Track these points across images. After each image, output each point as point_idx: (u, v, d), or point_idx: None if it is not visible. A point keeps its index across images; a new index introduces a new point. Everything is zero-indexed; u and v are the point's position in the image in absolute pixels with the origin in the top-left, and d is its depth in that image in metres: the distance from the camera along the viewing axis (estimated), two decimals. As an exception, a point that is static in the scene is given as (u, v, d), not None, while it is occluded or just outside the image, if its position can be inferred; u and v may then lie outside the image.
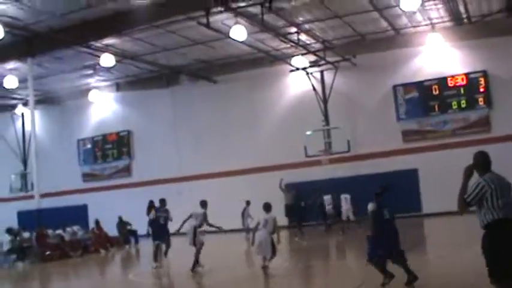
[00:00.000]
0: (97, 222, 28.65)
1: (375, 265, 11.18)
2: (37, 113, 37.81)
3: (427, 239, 21.30)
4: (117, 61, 27.97)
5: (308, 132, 29.27)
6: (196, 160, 33.73)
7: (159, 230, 18.63)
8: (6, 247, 24.85)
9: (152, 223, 18.85)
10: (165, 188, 32.89)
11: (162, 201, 19.23)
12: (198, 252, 16.03)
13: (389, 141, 29.54)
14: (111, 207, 33.26)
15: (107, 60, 27.27)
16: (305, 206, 27.22)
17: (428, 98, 29.19)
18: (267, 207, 14.82)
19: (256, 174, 31.73)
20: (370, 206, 11.62)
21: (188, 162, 33.94)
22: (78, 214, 34.66)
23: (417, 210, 28.45)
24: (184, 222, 16.85)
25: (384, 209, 11.35)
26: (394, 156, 29.35)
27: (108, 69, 31.04)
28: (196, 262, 15.78)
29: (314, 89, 30.33)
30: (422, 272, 13.09)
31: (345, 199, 25.83)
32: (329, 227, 26.19)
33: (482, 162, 7.06)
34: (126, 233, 29.34)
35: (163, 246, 19.13)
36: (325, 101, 30.29)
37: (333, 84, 30.03)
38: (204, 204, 17.28)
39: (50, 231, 26.63)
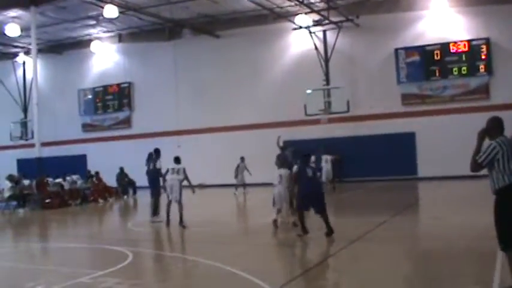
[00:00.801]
0: (96, 173, 28.94)
1: (299, 216, 12.75)
2: (38, 62, 37.82)
3: (421, 200, 21.63)
4: (120, 12, 27.86)
5: (308, 91, 29.46)
6: (195, 114, 34.01)
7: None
8: (7, 194, 25.23)
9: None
10: (164, 140, 33.17)
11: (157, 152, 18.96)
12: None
13: (388, 103, 29.77)
14: (110, 158, 33.63)
15: (110, 11, 27.19)
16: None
17: (429, 62, 29.25)
18: (282, 163, 14.99)
19: (255, 130, 32.06)
20: (295, 168, 13.34)
21: (188, 115, 34.23)
22: (78, 164, 34.94)
23: (413, 173, 28.85)
24: (164, 176, 16.95)
25: (307, 168, 12.67)
26: (393, 118, 29.65)
27: (111, 20, 30.97)
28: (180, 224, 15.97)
29: (316, 48, 30.36)
30: (414, 231, 13.51)
31: (325, 160, 25.46)
32: None
33: (496, 126, 7.09)
34: (125, 184, 29.69)
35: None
36: (326, 60, 30.34)
37: (335, 44, 30.07)
38: (178, 160, 17.13)
39: (50, 180, 26.99)
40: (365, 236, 12.60)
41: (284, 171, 14.44)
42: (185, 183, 16.68)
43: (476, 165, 6.97)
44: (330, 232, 12.35)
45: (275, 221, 14.40)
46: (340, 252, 10.91)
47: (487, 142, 7.04)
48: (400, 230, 13.61)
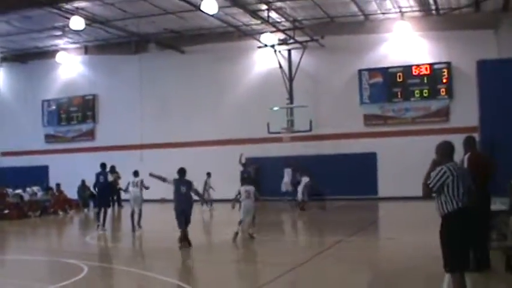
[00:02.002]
0: (57, 185, 28.76)
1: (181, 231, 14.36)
2: (2, 70, 37.66)
3: (379, 220, 21.99)
4: (87, 24, 27.79)
5: (275, 108, 29.50)
6: (159, 128, 34.04)
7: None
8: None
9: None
10: (127, 153, 33.16)
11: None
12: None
13: (351, 123, 30.23)
14: (72, 170, 33.34)
15: (77, 22, 27.08)
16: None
17: (392, 84, 29.85)
18: (248, 181, 17.19)
19: (218, 146, 32.21)
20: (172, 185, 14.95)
21: (151, 129, 34.22)
22: (40, 175, 34.55)
23: (373, 193, 29.27)
24: (126, 189, 19.11)
25: (182, 185, 14.55)
26: (355, 138, 30.10)
27: (77, 32, 30.81)
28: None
29: (280, 66, 30.76)
30: (366, 252, 13.77)
31: (287, 172, 26.68)
32: None
33: (447, 151, 7.38)
34: (86, 196, 29.51)
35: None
36: (290, 79, 30.72)
37: (300, 63, 30.48)
38: (137, 173, 19.60)
39: (9, 190, 26.70)
40: (318, 255, 12.84)
41: (250, 188, 15.86)
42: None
43: (427, 190, 7.24)
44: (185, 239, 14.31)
45: (236, 234, 15.34)
46: (288, 273, 11.01)
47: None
48: (354, 249, 13.91)
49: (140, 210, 18.73)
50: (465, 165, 9.48)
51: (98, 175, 19.49)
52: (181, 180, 14.75)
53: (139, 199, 18.87)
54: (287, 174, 26.84)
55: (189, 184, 14.71)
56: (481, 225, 8.89)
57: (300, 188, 24.91)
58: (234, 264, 12.94)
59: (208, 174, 26.96)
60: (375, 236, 17.45)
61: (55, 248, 16.65)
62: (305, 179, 24.99)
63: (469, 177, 7.42)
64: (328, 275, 10.99)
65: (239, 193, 15.85)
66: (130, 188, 18.97)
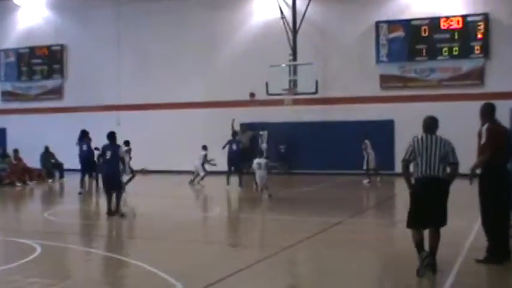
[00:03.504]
0: (15, 151, 28.95)
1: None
2: None
3: (390, 200, 22.15)
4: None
5: (280, 65, 29.61)
6: (140, 87, 34.24)
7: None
8: None
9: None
10: (102, 116, 33.32)
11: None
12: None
13: (364, 86, 30.35)
14: (35, 134, 33.72)
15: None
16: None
17: (415, 40, 29.83)
18: (261, 154, 22.75)
19: (208, 109, 32.43)
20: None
21: (131, 88, 34.41)
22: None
23: (390, 167, 29.26)
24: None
25: (107, 150, 16.44)
26: (369, 103, 30.22)
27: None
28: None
29: (283, 16, 30.64)
30: (364, 236, 14.04)
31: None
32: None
33: (423, 125, 9.61)
34: (50, 165, 29.79)
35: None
36: (294, 32, 30.62)
37: (306, 13, 30.34)
38: (127, 143, 22.50)
39: (-46, 155, 26.95)
40: (310, 238, 13.10)
41: (262, 160, 21.01)
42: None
43: (403, 164, 9.73)
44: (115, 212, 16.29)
45: (270, 196, 20.35)
46: (275, 255, 11.32)
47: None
48: (351, 233, 14.15)
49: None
50: (484, 138, 9.93)
51: (104, 149, 19.09)
52: (109, 145, 16.70)
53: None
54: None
55: (115, 149, 16.61)
56: (500, 212, 10.06)
57: None
58: (209, 245, 13.21)
59: (204, 148, 26.40)
60: (381, 218, 17.65)
61: (6, 226, 16.85)
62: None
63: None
64: (314, 260, 11.33)
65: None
66: None
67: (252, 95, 28.37)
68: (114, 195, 16.58)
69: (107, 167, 16.78)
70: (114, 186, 16.55)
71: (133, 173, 23.29)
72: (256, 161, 20.93)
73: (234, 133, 25.49)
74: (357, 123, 29.63)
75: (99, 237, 14.45)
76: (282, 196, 21.69)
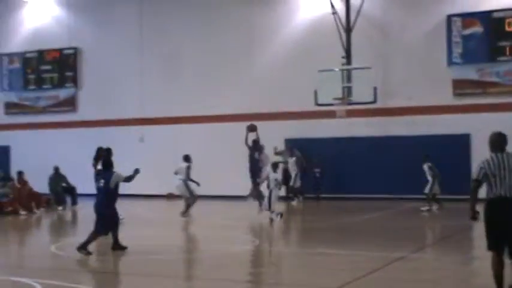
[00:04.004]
0: (19, 174, 29.24)
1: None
2: None
3: (466, 231, 21.71)
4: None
5: (332, 70, 29.49)
6: (166, 97, 34.55)
7: None
8: None
9: None
10: (122, 131, 33.57)
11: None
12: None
13: (434, 93, 30.03)
14: (43, 153, 34.08)
15: None
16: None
17: (497, 36, 29.49)
18: (275, 166, 23.05)
19: (245, 122, 32.18)
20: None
21: (155, 99, 34.68)
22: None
23: (465, 190, 28.80)
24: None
25: (100, 176, 16.46)
26: (440, 114, 29.94)
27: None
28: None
29: (335, 12, 30.57)
30: (427, 276, 13.81)
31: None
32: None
33: (490, 144, 10.70)
34: (60, 190, 30.05)
35: None
36: (348, 30, 30.52)
37: (362, 7, 30.29)
38: (187, 158, 24.87)
39: None
40: (365, 276, 12.96)
41: (279, 176, 22.40)
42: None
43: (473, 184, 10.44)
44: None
45: (271, 220, 21.50)
46: None
47: None
48: (415, 271, 13.93)
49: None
50: None
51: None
52: (103, 171, 16.77)
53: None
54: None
55: (108, 176, 16.31)
56: None
57: None
58: (245, 285, 13.21)
59: (187, 158, 25.67)
60: (452, 253, 17.34)
61: (5, 262, 17.04)
62: None
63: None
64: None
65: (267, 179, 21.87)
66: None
67: (252, 128, 27.33)
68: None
69: (99, 197, 16.66)
70: (108, 224, 16.48)
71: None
72: (273, 176, 21.82)
73: (253, 146, 25.62)
74: (425, 139, 29.37)
75: (110, 275, 14.45)
76: (331, 226, 21.55)
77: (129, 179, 16.61)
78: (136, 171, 16.64)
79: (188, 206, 24.55)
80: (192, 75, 34.01)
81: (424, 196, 26.11)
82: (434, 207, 26.00)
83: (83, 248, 15.91)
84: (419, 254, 16.21)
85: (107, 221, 16.24)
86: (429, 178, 25.84)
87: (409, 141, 29.78)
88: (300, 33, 32.18)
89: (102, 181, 16.22)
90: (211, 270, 14.73)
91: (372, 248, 17.05)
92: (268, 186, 22.29)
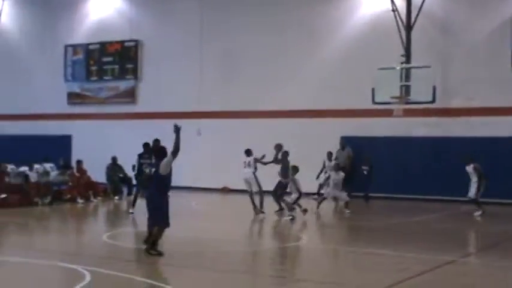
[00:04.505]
0: (78, 163, 29.61)
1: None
2: (8, 3, 38.96)
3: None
4: None
5: (392, 67, 29.24)
6: (224, 92, 34.65)
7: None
8: None
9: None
10: (179, 123, 33.64)
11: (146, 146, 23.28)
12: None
13: (498, 94, 29.45)
14: (102, 143, 34.42)
15: None
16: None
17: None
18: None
19: (303, 119, 32.41)
20: None
21: (214, 93, 34.83)
22: (58, 148, 35.86)
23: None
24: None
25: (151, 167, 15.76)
26: (503, 116, 29.37)
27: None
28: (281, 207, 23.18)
29: (395, 9, 30.26)
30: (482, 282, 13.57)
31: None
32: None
33: None
34: (117, 180, 30.37)
35: None
36: (408, 28, 30.16)
37: (423, 4, 29.86)
38: (249, 152, 24.53)
39: (10, 167, 27.70)
40: (412, 278, 12.80)
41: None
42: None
43: None
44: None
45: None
46: None
47: None
48: (465, 276, 13.70)
49: (260, 192, 23.72)
50: None
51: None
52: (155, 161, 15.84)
53: (253, 180, 23.89)
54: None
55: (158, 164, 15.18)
56: None
57: None
58: (293, 283, 13.17)
59: (248, 152, 25.14)
60: (501, 259, 16.98)
61: (58, 248, 17.29)
62: None
63: None
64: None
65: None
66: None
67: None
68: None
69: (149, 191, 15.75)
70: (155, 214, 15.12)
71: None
72: (334, 176, 23.64)
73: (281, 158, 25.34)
74: (487, 141, 28.96)
75: (159, 266, 14.47)
76: (381, 226, 21.32)
77: (176, 147, 14.86)
78: (176, 127, 15.10)
79: (260, 201, 24.01)
80: (250, 70, 34.01)
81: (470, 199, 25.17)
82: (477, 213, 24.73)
83: (152, 249, 14.84)
84: (468, 258, 15.97)
85: (165, 211, 14.93)
86: (474, 180, 24.71)
87: (468, 143, 29.19)
88: (359, 31, 31.95)
89: (153, 170, 15.55)
90: (263, 265, 14.90)
91: (420, 250, 16.84)
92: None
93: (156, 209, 14.80)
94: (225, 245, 17.63)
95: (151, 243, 14.76)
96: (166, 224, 14.73)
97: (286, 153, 23.93)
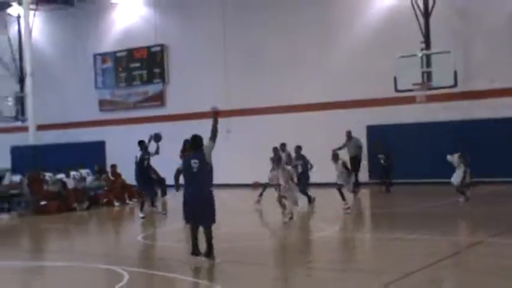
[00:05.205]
0: (112, 167, 29.88)
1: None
2: (41, 17, 39.47)
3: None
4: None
5: (413, 55, 29.02)
6: (250, 90, 34.72)
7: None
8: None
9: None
10: (208, 123, 33.79)
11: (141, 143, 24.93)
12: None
13: (516, 75, 29.27)
14: (134, 147, 34.49)
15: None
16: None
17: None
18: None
19: (328, 111, 32.37)
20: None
21: (240, 91, 34.94)
22: (92, 154, 36.13)
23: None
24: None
25: (193, 160, 13.38)
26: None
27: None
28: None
29: (413, -4, 30.10)
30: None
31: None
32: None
33: None
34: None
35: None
36: (427, 14, 29.89)
37: (440, -10, 29.76)
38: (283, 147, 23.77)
39: (48, 175, 28.06)
40: (440, 261, 12.79)
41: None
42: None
43: None
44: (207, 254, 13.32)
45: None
46: (395, 282, 11.15)
47: None
48: (493, 256, 13.65)
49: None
50: None
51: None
52: (193, 153, 13.67)
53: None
54: None
55: (200, 153, 13.49)
56: None
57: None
58: (322, 271, 13.20)
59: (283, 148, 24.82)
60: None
61: (96, 250, 17.54)
62: None
63: None
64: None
65: None
66: None
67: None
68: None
69: (195, 186, 13.43)
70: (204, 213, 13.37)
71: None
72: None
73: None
74: (509, 122, 28.79)
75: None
76: (406, 211, 21.21)
77: (214, 131, 13.95)
78: (215, 110, 14.55)
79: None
80: (273, 67, 34.03)
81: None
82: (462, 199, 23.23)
83: (209, 255, 13.32)
84: (497, 238, 15.75)
85: (212, 206, 13.38)
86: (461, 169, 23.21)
87: (492, 125, 29.14)
88: (378, 20, 31.81)
89: (196, 161, 13.21)
90: (296, 257, 14.97)
91: (447, 233, 16.80)
92: None
93: (211, 206, 13.28)
94: (255, 238, 17.77)
95: (209, 246, 13.24)
96: (214, 221, 13.37)
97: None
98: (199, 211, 13.13)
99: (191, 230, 13.41)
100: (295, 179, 22.37)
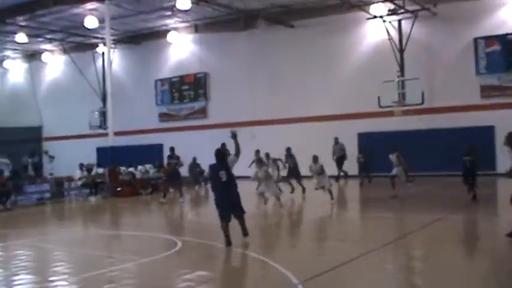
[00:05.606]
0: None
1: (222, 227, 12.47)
2: (117, 52, 39.87)
3: (491, 197, 21.32)
4: (193, 3, 28.88)
5: (393, 80, 29.43)
6: (270, 105, 34.72)
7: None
8: (79, 181, 27.00)
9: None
10: (239, 131, 33.95)
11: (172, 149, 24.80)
12: None
13: (466, 95, 29.21)
14: (185, 148, 34.75)
15: (183, 2, 28.44)
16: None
17: (511, 52, 28.46)
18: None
19: (329, 122, 32.47)
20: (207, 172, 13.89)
21: (263, 106, 34.99)
22: (154, 153, 36.45)
23: (491, 168, 28.19)
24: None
25: (221, 171, 12.36)
26: (471, 111, 29.07)
27: (186, 11, 31.90)
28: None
29: (390, 38, 30.18)
30: (467, 231, 13.62)
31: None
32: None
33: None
34: (196, 173, 30.79)
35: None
36: (401, 51, 30.14)
37: (411, 34, 29.75)
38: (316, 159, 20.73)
39: (122, 169, 28.50)
40: (411, 234, 12.96)
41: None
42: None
43: None
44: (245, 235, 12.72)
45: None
46: (368, 254, 11.04)
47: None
48: (450, 228, 13.80)
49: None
50: None
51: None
52: (218, 165, 12.64)
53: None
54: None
55: (225, 165, 12.60)
56: None
57: None
58: (316, 241, 13.41)
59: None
60: (482, 213, 16.99)
61: (155, 224, 17.86)
62: None
63: None
64: (416, 253, 11.20)
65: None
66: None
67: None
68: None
69: (225, 192, 12.50)
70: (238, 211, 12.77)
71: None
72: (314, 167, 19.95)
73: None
74: (460, 130, 28.58)
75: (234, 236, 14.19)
76: (386, 196, 21.11)
77: (237, 150, 13.06)
78: (233, 133, 13.29)
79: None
80: (288, 88, 34.06)
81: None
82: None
83: (247, 234, 12.79)
84: (454, 215, 15.95)
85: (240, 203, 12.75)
86: (398, 166, 21.93)
87: (449, 132, 29.12)
88: (366, 54, 31.83)
89: (223, 172, 12.34)
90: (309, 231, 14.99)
91: (415, 212, 16.92)
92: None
93: (239, 202, 12.60)
94: (275, 219, 18.02)
95: (245, 229, 12.69)
96: (244, 211, 12.71)
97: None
98: (233, 209, 12.55)
99: (225, 227, 12.41)
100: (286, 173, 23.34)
